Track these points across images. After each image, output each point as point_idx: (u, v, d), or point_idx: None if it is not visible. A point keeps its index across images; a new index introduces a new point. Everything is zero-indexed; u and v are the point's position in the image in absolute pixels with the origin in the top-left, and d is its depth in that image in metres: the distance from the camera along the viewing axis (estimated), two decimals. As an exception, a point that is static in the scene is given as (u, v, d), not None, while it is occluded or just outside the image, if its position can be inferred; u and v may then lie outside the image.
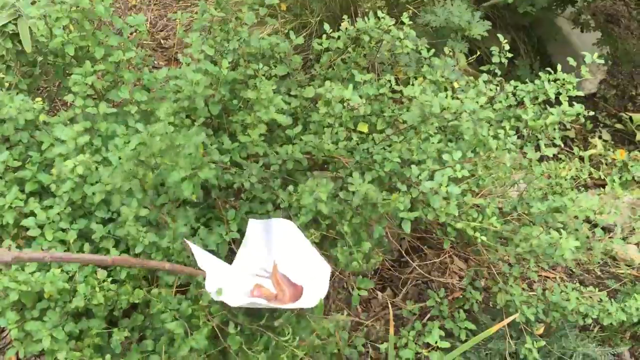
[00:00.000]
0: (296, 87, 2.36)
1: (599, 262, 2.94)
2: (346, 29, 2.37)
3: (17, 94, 2.09)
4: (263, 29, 3.21)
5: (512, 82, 2.33)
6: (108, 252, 1.93)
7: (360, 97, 2.15)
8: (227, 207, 2.11)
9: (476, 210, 2.07)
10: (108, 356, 1.83)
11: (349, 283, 2.70)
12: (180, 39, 3.58)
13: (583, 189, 2.80)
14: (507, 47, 2.37)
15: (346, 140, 2.15)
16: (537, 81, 2.30)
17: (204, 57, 2.19)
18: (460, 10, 2.81)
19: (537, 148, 2.29)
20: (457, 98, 2.12)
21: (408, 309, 2.53)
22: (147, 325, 1.99)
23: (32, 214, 1.95)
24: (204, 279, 1.83)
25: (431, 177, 1.95)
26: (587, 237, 2.31)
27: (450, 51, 2.49)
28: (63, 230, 1.96)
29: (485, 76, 2.32)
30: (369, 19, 2.34)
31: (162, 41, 3.73)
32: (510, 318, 2.13)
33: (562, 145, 3.52)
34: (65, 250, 1.93)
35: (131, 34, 2.34)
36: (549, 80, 2.28)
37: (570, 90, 2.26)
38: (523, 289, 2.38)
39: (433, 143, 2.06)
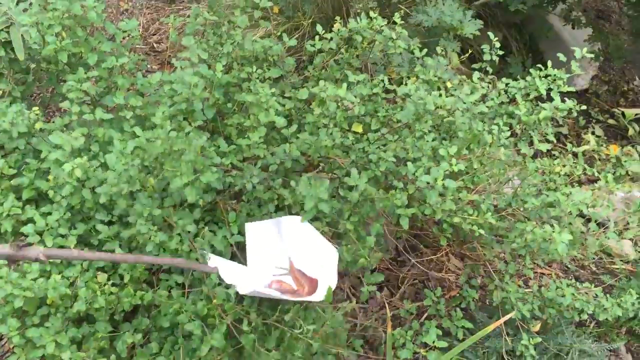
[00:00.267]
0: (290, 89, 2.37)
1: (594, 258, 2.96)
2: (339, 30, 2.38)
3: (11, 102, 2.09)
4: (256, 31, 3.21)
5: (504, 79, 2.34)
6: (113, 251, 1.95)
7: (355, 97, 2.16)
8: (228, 209, 2.12)
9: (471, 207, 2.08)
10: (113, 357, 1.84)
11: (346, 284, 2.71)
12: (173, 43, 3.58)
13: (577, 185, 2.82)
14: (498, 44, 2.39)
15: (342, 139, 2.16)
16: (528, 78, 2.31)
17: (199, 61, 2.20)
18: (452, 10, 2.82)
19: (531, 145, 2.30)
20: (452, 95, 2.14)
21: (405, 308, 2.54)
22: (150, 329, 1.99)
23: (30, 220, 1.96)
24: (218, 275, 1.88)
25: (427, 174, 1.97)
26: (582, 232, 2.32)
27: (442, 50, 2.50)
28: (62, 236, 1.96)
29: (477, 74, 2.33)
30: (361, 20, 2.35)
31: (155, 45, 3.73)
32: (507, 316, 2.15)
33: (556, 142, 3.54)
34: (64, 258, 1.93)
35: (124, 38, 2.35)
36: (540, 77, 2.29)
37: (561, 86, 2.28)
38: (519, 286, 2.40)
39: (428, 141, 2.07)
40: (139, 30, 3.77)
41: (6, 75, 2.24)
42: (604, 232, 2.31)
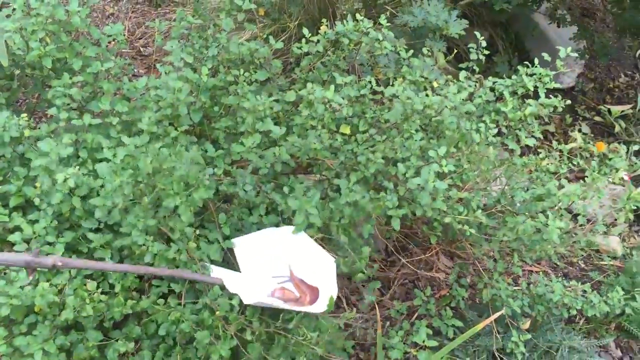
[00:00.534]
0: (277, 92, 2.37)
1: (582, 255, 2.98)
2: (325, 32, 2.38)
3: (-1, 110, 2.08)
4: (242, 34, 3.21)
5: (491, 77, 2.36)
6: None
7: (342, 98, 2.17)
8: (220, 209, 2.12)
9: (461, 204, 2.09)
10: None
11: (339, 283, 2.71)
12: (159, 47, 3.56)
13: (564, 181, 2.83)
14: (484, 44, 2.40)
15: (330, 141, 2.17)
16: (514, 76, 2.33)
17: (184, 65, 2.19)
18: (437, 10, 2.83)
19: (518, 142, 2.32)
20: (439, 95, 2.15)
21: (396, 308, 2.55)
22: (141, 336, 1.98)
23: (18, 228, 1.94)
24: (222, 287, 1.88)
25: (417, 173, 1.97)
26: (570, 229, 2.34)
27: (428, 51, 2.51)
28: (50, 244, 1.95)
29: (464, 73, 2.34)
30: (347, 22, 2.35)
31: (141, 49, 3.72)
32: (497, 314, 2.15)
33: (543, 140, 3.57)
34: (53, 265, 1.92)
35: (109, 42, 2.34)
36: (527, 74, 2.32)
37: (547, 83, 2.30)
38: (508, 283, 2.41)
39: (416, 140, 2.08)
40: (125, 35, 3.75)
41: (-9, 81, 2.23)
42: (591, 225, 2.33)
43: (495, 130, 2.22)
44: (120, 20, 3.85)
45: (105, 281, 1.96)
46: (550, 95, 2.30)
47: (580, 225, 2.34)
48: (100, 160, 2.02)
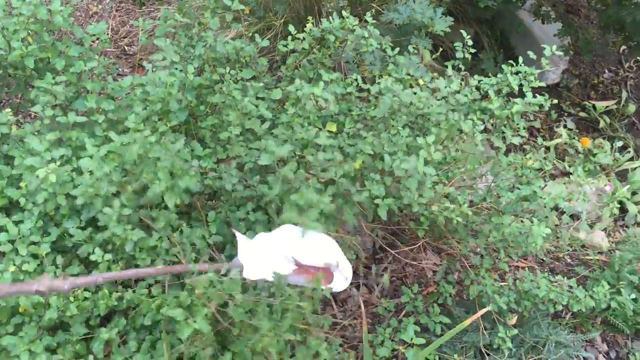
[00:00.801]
0: (263, 90, 2.36)
1: (568, 250, 3.01)
2: (311, 30, 2.37)
3: (-20, 108, 2.06)
4: (227, 32, 3.20)
5: (477, 76, 2.37)
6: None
7: (330, 95, 2.16)
8: (207, 208, 2.11)
9: (448, 200, 2.10)
10: (91, 357, 1.82)
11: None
12: (144, 46, 3.54)
13: (549, 179, 2.85)
14: (470, 42, 2.41)
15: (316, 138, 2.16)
16: (499, 74, 2.34)
17: (170, 63, 2.18)
18: (423, 7, 2.83)
19: (504, 140, 2.33)
20: (427, 88, 2.16)
21: (384, 306, 2.55)
22: (128, 330, 1.97)
23: (2, 229, 1.92)
24: (240, 271, 1.84)
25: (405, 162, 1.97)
26: (556, 225, 2.36)
27: (414, 48, 2.52)
28: (35, 243, 1.93)
29: (450, 69, 2.35)
30: (333, 20, 2.35)
31: (126, 48, 3.69)
32: (484, 310, 2.17)
33: (529, 136, 3.58)
34: (38, 265, 1.90)
35: (93, 42, 2.32)
36: (512, 73, 2.33)
37: (532, 81, 2.31)
38: (495, 280, 2.43)
39: (403, 136, 2.09)
40: (109, 34, 3.73)
41: (-27, 82, 2.21)
42: (575, 226, 2.35)
43: (482, 127, 2.23)
44: (104, 19, 3.83)
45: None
46: (537, 95, 2.32)
47: (566, 224, 2.36)
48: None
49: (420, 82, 2.36)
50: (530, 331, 2.41)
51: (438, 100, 2.11)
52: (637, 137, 3.84)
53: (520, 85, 2.32)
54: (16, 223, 1.94)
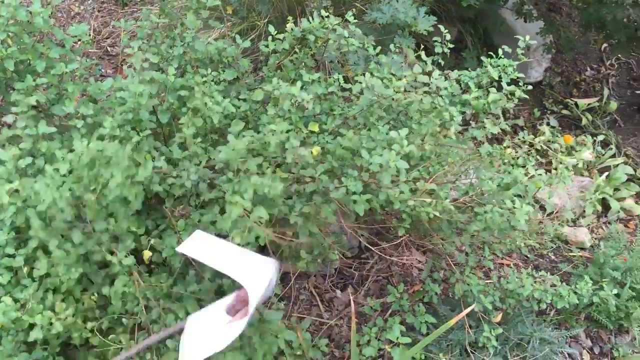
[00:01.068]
0: (246, 91, 2.35)
1: (552, 247, 3.03)
2: (292, 29, 2.37)
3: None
4: (211, 33, 3.18)
5: (457, 71, 2.38)
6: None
7: (308, 95, 2.15)
8: (177, 216, 2.08)
9: (430, 197, 2.10)
10: None
11: (310, 284, 2.71)
12: (126, 46, 3.52)
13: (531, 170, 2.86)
14: (448, 36, 2.42)
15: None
16: (479, 68, 2.37)
17: (149, 65, 2.16)
18: (406, 7, 2.84)
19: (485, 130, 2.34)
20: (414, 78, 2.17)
21: (370, 305, 2.56)
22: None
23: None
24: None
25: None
26: (540, 222, 2.37)
27: (397, 48, 2.52)
28: (9, 256, 1.89)
29: (430, 64, 2.35)
30: (313, 19, 2.35)
31: (108, 49, 3.67)
32: (469, 309, 2.17)
33: (512, 134, 3.60)
34: (12, 277, 1.87)
35: (75, 43, 2.30)
36: (492, 65, 2.35)
37: (510, 73, 2.34)
38: (480, 277, 2.44)
39: (382, 133, 2.08)
40: (91, 34, 3.70)
41: (-49, 85, 2.18)
42: (557, 215, 2.36)
43: (460, 118, 2.23)
44: (86, 20, 3.79)
45: (71, 296, 1.92)
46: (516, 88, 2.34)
47: (548, 215, 2.37)
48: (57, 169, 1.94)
49: (404, 80, 2.36)
50: (515, 328, 2.43)
51: (418, 89, 2.11)
52: (619, 134, 3.88)
53: (500, 79, 2.34)
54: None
